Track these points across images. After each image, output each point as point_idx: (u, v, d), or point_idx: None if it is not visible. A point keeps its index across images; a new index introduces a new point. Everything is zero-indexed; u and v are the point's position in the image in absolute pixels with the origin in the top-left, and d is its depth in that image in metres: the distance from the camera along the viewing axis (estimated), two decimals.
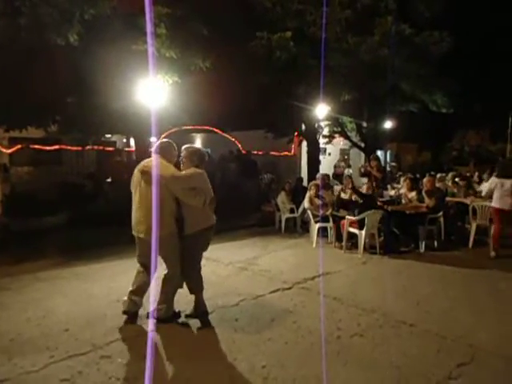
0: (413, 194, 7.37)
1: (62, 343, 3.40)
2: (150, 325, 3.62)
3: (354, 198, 7.23)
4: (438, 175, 9.80)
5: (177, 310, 3.90)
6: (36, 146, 11.88)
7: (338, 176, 13.75)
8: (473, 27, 11.25)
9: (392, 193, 8.46)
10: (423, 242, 6.75)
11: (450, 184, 9.08)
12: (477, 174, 12.08)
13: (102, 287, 4.80)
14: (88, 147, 11.23)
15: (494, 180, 6.70)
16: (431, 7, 10.11)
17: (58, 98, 7.38)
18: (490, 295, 4.73)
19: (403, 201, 7.45)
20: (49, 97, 6.94)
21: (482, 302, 4.49)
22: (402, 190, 7.94)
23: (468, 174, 11.10)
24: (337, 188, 9.05)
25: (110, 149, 13.02)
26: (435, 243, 6.99)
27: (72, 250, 6.25)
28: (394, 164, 14.36)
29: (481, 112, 15.26)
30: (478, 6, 11.73)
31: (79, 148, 11.22)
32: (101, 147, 12.59)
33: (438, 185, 8.12)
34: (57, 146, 12.15)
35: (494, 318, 4.04)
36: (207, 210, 3.72)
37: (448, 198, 7.88)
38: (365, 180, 9.51)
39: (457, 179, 9.27)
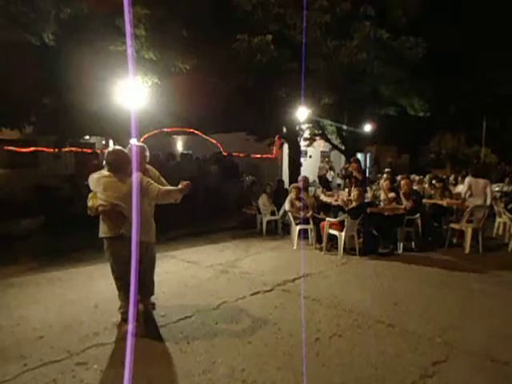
0: (392, 194, 7.51)
1: (36, 351, 3.30)
2: (128, 330, 3.56)
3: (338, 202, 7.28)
4: (417, 178, 10.05)
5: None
6: (11, 148, 11.54)
7: (320, 178, 13.91)
8: (448, 33, 11.58)
9: (369, 194, 8.58)
10: (401, 244, 6.88)
11: (427, 186, 9.30)
12: (453, 176, 12.41)
13: (78, 292, 4.69)
14: (65, 149, 10.98)
15: (470, 179, 7.16)
16: (408, 13, 10.38)
17: (33, 99, 7.20)
18: (466, 295, 4.85)
19: (382, 204, 7.57)
20: (24, 97, 6.76)
21: (458, 302, 4.60)
22: (381, 192, 8.08)
23: (444, 177, 11.40)
24: (318, 191, 9.16)
25: (88, 151, 12.76)
26: (413, 244, 7.14)
27: (47, 255, 6.09)
28: (388, 169, 13.72)
29: (456, 115, 15.73)
30: (453, 12, 12.11)
31: (56, 150, 10.94)
32: (79, 149, 12.33)
33: (415, 187, 8.31)
34: (33, 148, 11.83)
35: (468, 318, 4.15)
36: (101, 218, 3.50)
37: (425, 200, 8.07)
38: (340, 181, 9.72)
39: (434, 181, 9.50)
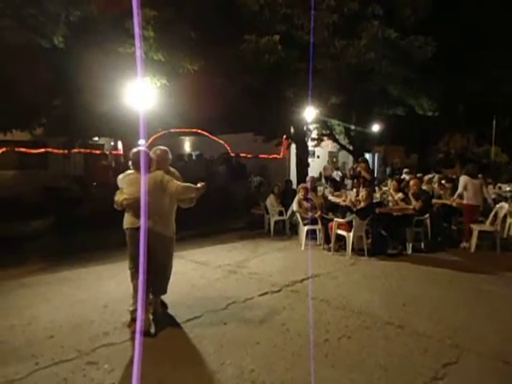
0: (399, 195, 7.49)
1: (47, 350, 3.34)
2: (137, 329, 3.58)
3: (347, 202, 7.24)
4: (426, 177, 9.96)
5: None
6: (21, 150, 11.69)
7: (327, 179, 13.82)
8: (457, 32, 11.45)
9: (377, 195, 8.54)
10: (410, 244, 6.83)
11: (436, 186, 9.21)
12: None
13: (88, 292, 4.73)
14: (74, 150, 11.10)
15: (466, 179, 7.23)
16: (417, 11, 10.29)
17: (43, 101, 7.28)
18: (475, 296, 4.80)
19: (390, 204, 7.52)
20: (34, 99, 6.84)
21: (467, 304, 4.56)
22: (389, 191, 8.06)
23: (454, 176, 11.27)
24: (326, 191, 9.12)
25: (97, 152, 12.88)
26: (422, 245, 7.08)
27: (57, 255, 6.15)
28: (407, 170, 13.33)
29: (465, 115, 15.55)
30: (462, 11, 11.97)
31: (66, 151, 11.06)
32: (88, 150, 12.46)
33: (424, 187, 8.24)
34: (43, 150, 11.98)
35: (478, 319, 4.10)
36: (128, 211, 3.74)
37: (434, 200, 8.00)
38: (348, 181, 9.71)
39: (443, 181, 9.42)
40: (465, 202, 7.29)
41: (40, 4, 5.27)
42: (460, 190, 7.35)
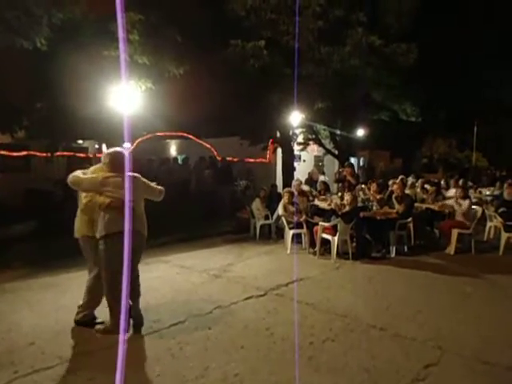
0: (381, 195, 7.69)
1: (27, 357, 3.27)
2: (120, 336, 3.54)
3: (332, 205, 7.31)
4: (409, 182, 10.13)
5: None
6: (2, 152, 11.44)
7: (316, 182, 13.90)
8: (439, 40, 11.71)
9: (362, 195, 8.65)
10: (394, 247, 6.92)
11: (418, 190, 9.38)
12: (443, 180, 12.53)
13: (70, 298, 4.63)
14: (58, 153, 10.92)
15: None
16: (400, 20, 10.52)
17: (25, 103, 7.17)
18: (458, 299, 4.89)
19: (374, 207, 7.62)
20: (16, 102, 6.73)
21: (450, 306, 4.64)
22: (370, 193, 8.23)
23: (436, 181, 11.49)
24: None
25: (81, 155, 12.69)
26: (405, 248, 7.19)
27: (39, 260, 6.04)
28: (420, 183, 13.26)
29: (447, 121, 15.90)
30: (444, 20, 12.26)
31: (49, 154, 10.87)
32: (71, 153, 12.25)
33: (407, 191, 8.39)
34: (25, 152, 11.74)
35: (460, 321, 4.18)
36: (108, 215, 3.58)
37: (417, 204, 8.14)
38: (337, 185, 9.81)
39: (426, 185, 9.59)
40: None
41: (23, 5, 5.20)
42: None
